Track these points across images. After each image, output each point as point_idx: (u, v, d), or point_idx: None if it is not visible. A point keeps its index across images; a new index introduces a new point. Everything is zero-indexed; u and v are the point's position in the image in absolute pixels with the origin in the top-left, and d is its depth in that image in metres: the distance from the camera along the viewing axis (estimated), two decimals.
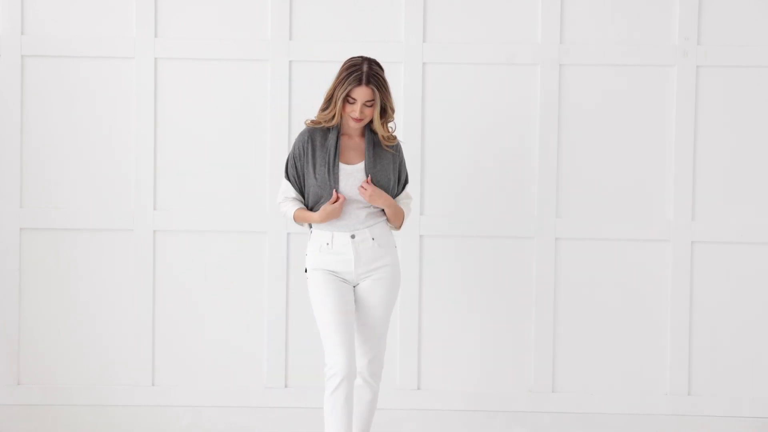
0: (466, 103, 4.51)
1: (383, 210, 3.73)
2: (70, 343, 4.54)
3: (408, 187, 3.88)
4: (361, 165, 3.68)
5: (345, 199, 3.63)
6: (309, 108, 4.43)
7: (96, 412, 4.49)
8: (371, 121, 3.68)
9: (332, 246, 3.66)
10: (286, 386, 4.56)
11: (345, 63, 3.64)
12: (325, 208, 3.63)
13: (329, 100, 3.64)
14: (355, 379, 3.70)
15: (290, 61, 4.50)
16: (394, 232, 3.90)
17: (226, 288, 4.54)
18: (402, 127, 4.47)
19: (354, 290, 3.74)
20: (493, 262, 4.54)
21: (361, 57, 3.64)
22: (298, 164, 3.71)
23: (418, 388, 4.57)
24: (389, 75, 4.42)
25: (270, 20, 4.50)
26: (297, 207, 3.72)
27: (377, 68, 3.62)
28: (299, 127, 4.46)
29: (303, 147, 3.69)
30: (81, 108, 4.52)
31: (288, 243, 4.50)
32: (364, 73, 3.57)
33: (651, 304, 4.55)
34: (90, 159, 4.52)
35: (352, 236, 3.65)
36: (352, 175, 3.66)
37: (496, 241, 4.53)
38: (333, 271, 3.68)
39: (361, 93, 3.57)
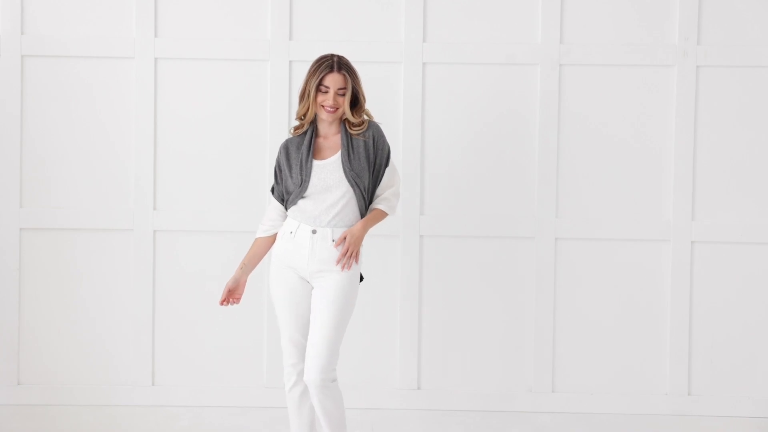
0: (466, 103, 4.51)
1: (355, 215, 3.70)
2: (70, 343, 4.55)
3: (389, 169, 3.74)
4: (333, 158, 3.66)
5: (227, 302, 3.81)
6: None
7: (96, 412, 4.49)
8: (346, 122, 3.68)
9: (294, 235, 3.67)
10: None
11: (314, 60, 3.69)
12: (232, 277, 3.81)
13: (303, 93, 3.67)
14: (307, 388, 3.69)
15: (290, 61, 4.50)
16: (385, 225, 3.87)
17: None
18: (402, 127, 4.47)
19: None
20: (493, 262, 4.54)
21: (330, 53, 3.70)
22: (278, 172, 3.75)
23: (418, 388, 4.57)
24: (389, 75, 4.45)
25: (270, 20, 4.50)
26: (260, 236, 3.79)
27: (346, 59, 3.69)
28: None
29: (279, 157, 3.75)
30: (81, 108, 4.52)
31: None
32: (334, 61, 3.64)
33: (651, 304, 4.55)
34: (90, 159, 4.52)
35: (313, 231, 3.65)
36: (324, 168, 3.66)
37: (496, 241, 4.53)
38: (290, 265, 3.68)
39: (333, 80, 3.61)
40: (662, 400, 4.54)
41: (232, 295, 3.81)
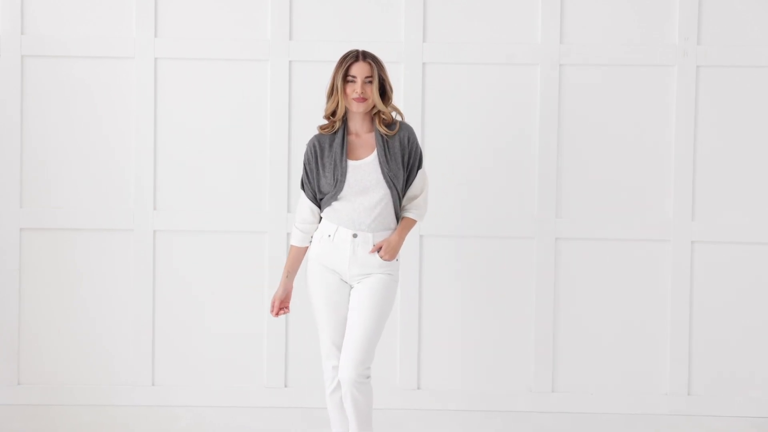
0: (466, 103, 4.51)
1: (392, 217, 3.68)
2: (70, 343, 4.55)
3: (421, 172, 3.74)
4: (369, 158, 3.64)
5: (278, 313, 3.75)
6: (309, 108, 4.44)
7: (96, 412, 4.49)
8: (378, 119, 3.66)
9: (333, 239, 3.64)
10: (286, 386, 4.56)
11: (339, 57, 3.69)
12: (280, 287, 3.76)
13: (331, 90, 3.66)
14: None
15: (290, 61, 4.50)
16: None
17: (226, 288, 4.55)
18: None
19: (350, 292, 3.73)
20: (493, 262, 4.54)
21: (354, 48, 3.71)
22: (309, 171, 3.69)
23: (418, 388, 4.57)
24: (389, 75, 4.45)
25: (270, 20, 4.50)
26: (297, 245, 3.75)
27: (371, 52, 3.68)
28: (299, 127, 4.48)
29: (312, 152, 3.69)
30: (81, 108, 4.52)
31: (288, 243, 4.50)
32: (359, 52, 3.64)
33: (651, 304, 4.55)
34: (90, 159, 4.53)
35: (354, 235, 3.63)
36: (360, 168, 3.63)
37: (496, 241, 4.53)
38: (329, 267, 3.66)
39: (359, 68, 3.60)
40: (662, 400, 4.54)
41: (283, 304, 3.77)
